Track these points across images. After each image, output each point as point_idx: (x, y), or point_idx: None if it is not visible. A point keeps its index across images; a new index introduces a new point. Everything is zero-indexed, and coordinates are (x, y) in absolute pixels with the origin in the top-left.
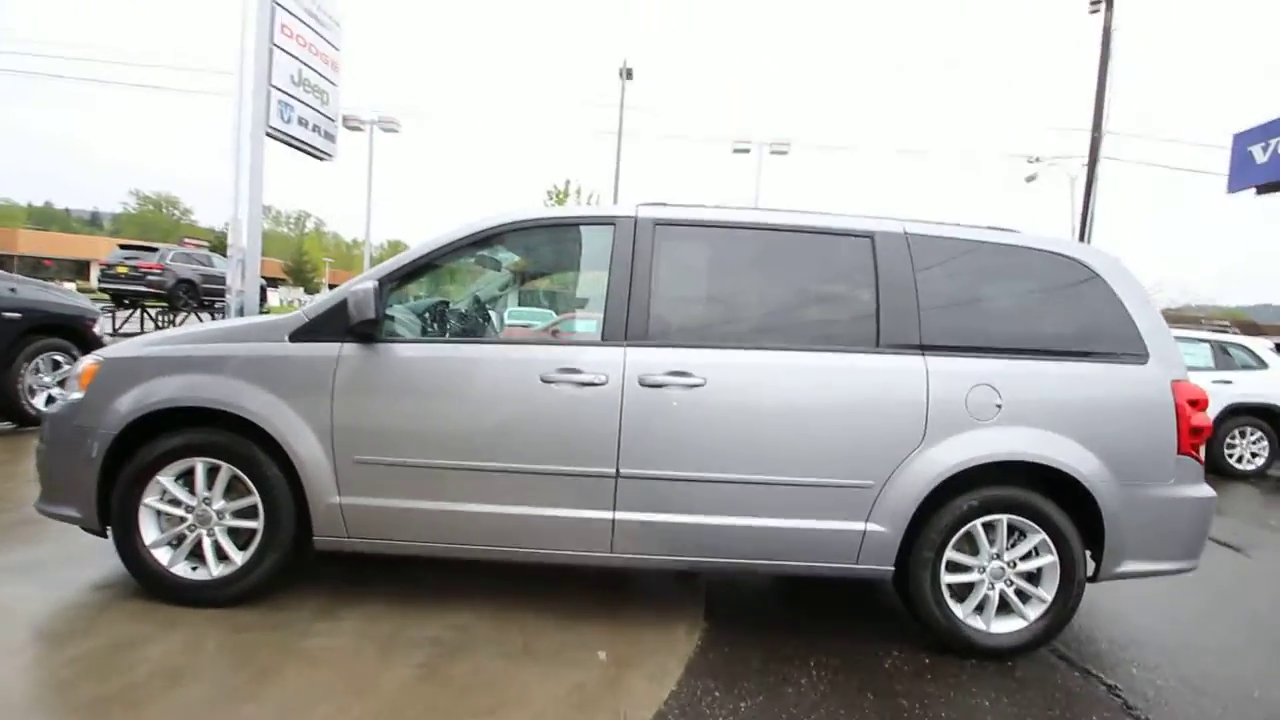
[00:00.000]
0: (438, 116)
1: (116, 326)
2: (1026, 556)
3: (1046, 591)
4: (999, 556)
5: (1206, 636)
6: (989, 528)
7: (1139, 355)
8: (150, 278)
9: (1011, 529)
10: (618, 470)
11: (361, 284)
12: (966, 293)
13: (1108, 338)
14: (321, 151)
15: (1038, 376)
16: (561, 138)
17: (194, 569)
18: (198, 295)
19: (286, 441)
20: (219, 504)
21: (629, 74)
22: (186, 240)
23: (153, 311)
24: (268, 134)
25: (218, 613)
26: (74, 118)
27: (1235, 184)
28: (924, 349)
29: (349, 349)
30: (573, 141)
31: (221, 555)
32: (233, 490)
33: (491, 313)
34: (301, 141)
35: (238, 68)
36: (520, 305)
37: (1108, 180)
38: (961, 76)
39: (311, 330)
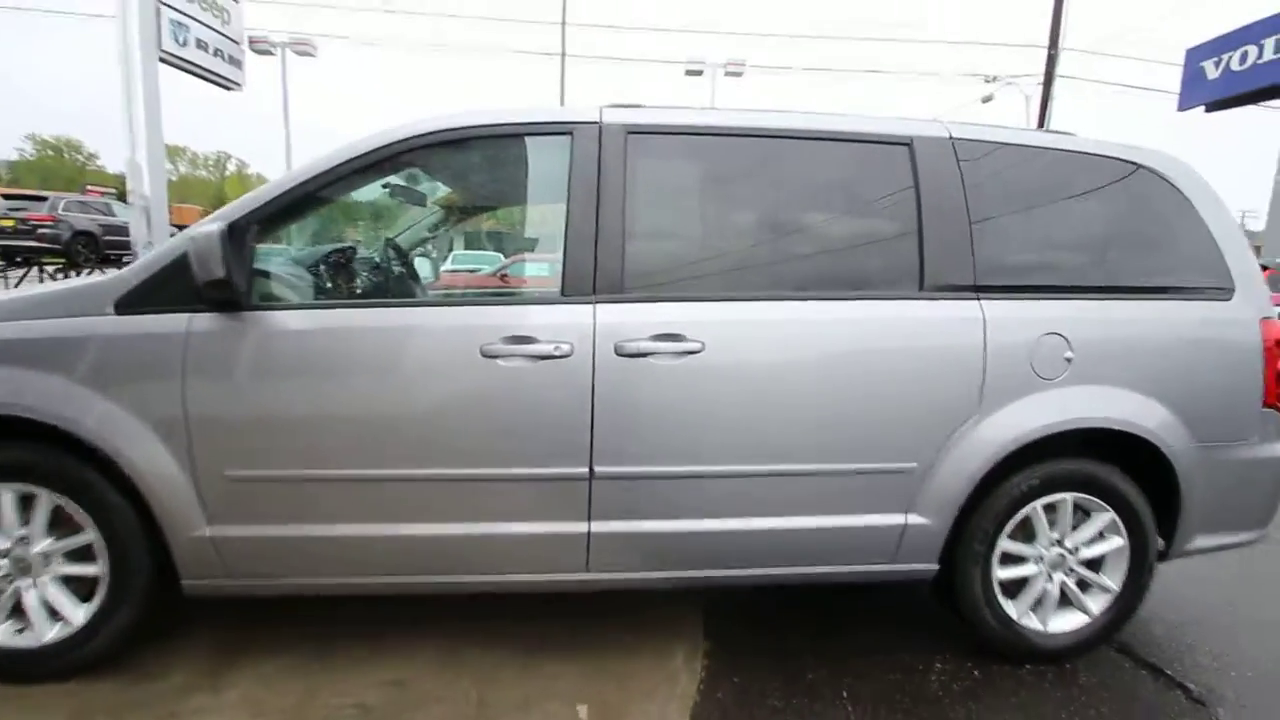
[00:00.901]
0: (361, 38)
1: (8, 288)
2: (1091, 541)
3: (1113, 579)
4: (1060, 543)
5: (1261, 606)
6: (1049, 509)
7: (1223, 290)
8: (42, 230)
9: (1074, 508)
10: (591, 469)
11: (205, 227)
12: (1028, 215)
13: (1189, 268)
14: (226, 79)
15: (1113, 321)
16: (504, 63)
17: (19, 632)
18: (99, 248)
19: (122, 455)
20: (42, 544)
21: None
22: (90, 188)
23: (50, 269)
24: (161, 59)
25: (55, 690)
26: None
27: (1186, 101)
28: (979, 290)
29: (202, 322)
30: (517, 68)
31: (55, 613)
32: (63, 524)
33: (425, 261)
34: (201, 67)
35: None
36: (469, 249)
37: (1064, 101)
38: None
39: (145, 296)
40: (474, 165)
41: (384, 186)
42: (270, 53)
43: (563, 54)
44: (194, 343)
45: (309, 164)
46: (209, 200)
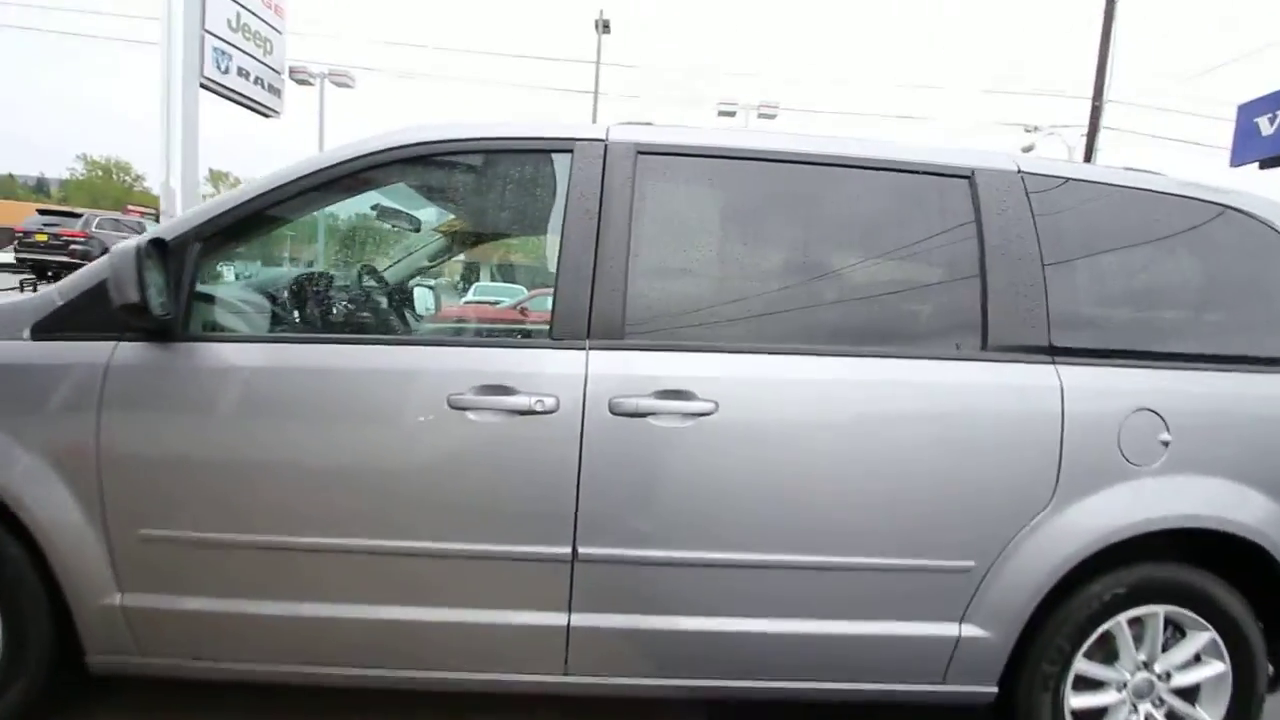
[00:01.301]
0: (398, 71)
1: None
2: (1186, 665)
3: (1211, 713)
4: (1148, 666)
5: None
6: (1135, 623)
7: None
8: (74, 246)
9: (1166, 624)
10: (574, 549)
11: (126, 243)
12: (1112, 265)
13: None
14: (265, 106)
15: (1218, 396)
16: (535, 98)
17: None
18: None
19: (21, 503)
20: None
21: (606, 26)
22: (130, 208)
23: None
24: (202, 85)
25: None
26: (13, 72)
27: (1239, 157)
28: (1055, 352)
29: (128, 352)
30: (548, 103)
31: None
32: None
33: (426, 293)
34: (241, 94)
35: (165, 10)
36: (495, 280)
37: (1108, 152)
38: (957, 40)
39: (68, 319)
40: (457, 185)
41: (372, 208)
42: (309, 83)
43: (595, 91)
44: (114, 375)
45: (266, 177)
46: None
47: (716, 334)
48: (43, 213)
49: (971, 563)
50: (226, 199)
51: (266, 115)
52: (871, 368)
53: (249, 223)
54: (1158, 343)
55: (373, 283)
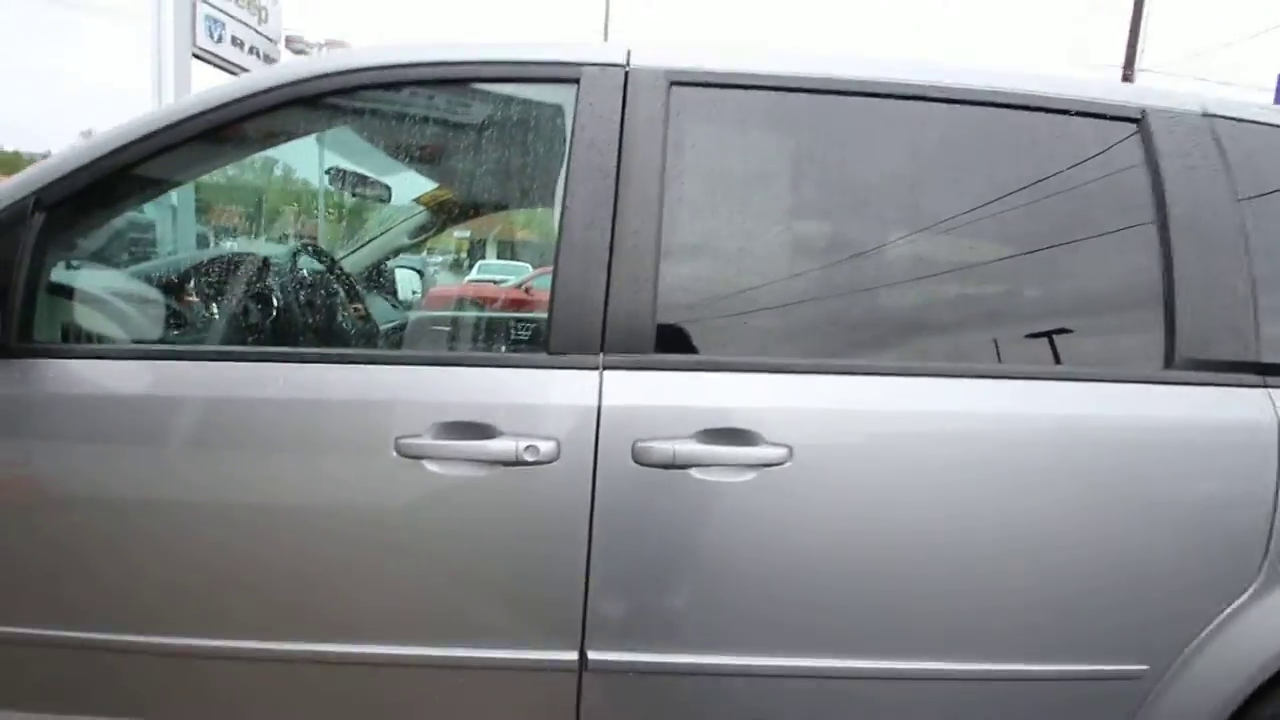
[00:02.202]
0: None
1: None
2: None
3: None
4: None
5: None
6: None
7: None
8: None
9: None
10: (583, 654)
11: None
12: None
13: None
14: None
15: None
16: None
17: None
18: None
19: None
20: None
21: None
22: None
23: None
24: (194, 55)
25: None
26: (23, 48)
27: None
28: (1265, 371)
29: None
30: None
31: None
32: None
33: (409, 278)
34: (236, 65)
35: None
36: (501, 258)
37: None
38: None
39: None
40: (417, 136)
41: (327, 172)
42: (306, 52)
43: None
44: None
45: (144, 118)
46: None
47: (787, 344)
48: None
49: (1143, 666)
50: (83, 150)
51: None
52: (1007, 395)
53: (117, 183)
54: None
55: (314, 268)
